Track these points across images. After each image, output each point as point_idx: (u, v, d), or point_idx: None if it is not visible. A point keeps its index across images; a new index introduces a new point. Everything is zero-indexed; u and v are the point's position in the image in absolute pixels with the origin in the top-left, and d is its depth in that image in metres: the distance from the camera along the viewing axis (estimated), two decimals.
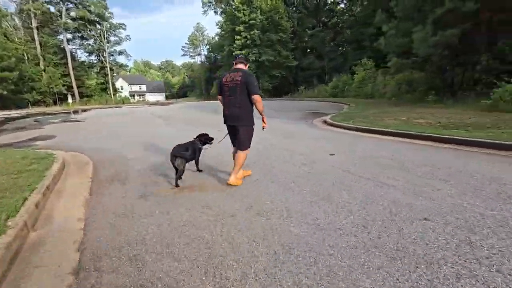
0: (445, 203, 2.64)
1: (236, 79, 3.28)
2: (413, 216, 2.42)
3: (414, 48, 11.54)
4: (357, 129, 7.35)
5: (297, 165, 4.19)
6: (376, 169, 3.84)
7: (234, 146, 3.63)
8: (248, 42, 33.47)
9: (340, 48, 38.36)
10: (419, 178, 3.36)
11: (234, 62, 3.48)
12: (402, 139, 6.05)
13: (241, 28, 33.36)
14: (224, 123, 3.51)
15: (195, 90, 67.99)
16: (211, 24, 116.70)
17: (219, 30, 47.01)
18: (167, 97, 74.43)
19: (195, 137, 4.05)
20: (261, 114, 3.37)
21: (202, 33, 69.49)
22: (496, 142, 4.69)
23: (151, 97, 68.12)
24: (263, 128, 3.52)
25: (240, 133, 3.38)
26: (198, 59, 71.79)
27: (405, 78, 13.73)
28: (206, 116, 14.07)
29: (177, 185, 3.49)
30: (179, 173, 3.52)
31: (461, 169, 3.62)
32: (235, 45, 33.98)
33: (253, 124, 3.42)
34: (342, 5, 41.89)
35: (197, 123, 11.09)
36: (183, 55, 75.60)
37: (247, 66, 3.54)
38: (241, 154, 3.41)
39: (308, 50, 42.05)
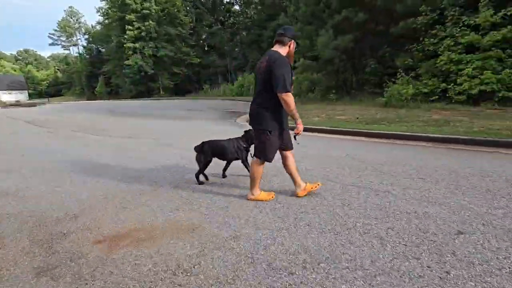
0: (454, 207, 2.46)
1: (262, 65, 2.43)
2: (444, 230, 2.08)
3: (318, 51, 12.57)
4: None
5: (267, 177, 3.42)
6: (349, 172, 3.52)
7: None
8: (142, 34, 29.79)
9: (237, 49, 39.31)
10: (399, 179, 3.20)
11: None
12: (335, 135, 6.20)
13: (133, 17, 29.37)
14: None
15: (73, 87, 56.49)
16: (90, 9, 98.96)
17: (101, 18, 40.23)
18: (31, 96, 58.74)
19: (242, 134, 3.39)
20: (292, 116, 2.49)
21: (77, 20, 58.11)
22: (419, 135, 5.26)
23: (5, 97, 52.10)
24: (295, 136, 2.65)
25: (255, 138, 2.70)
26: (74, 51, 59.81)
27: (308, 78, 14.95)
28: (105, 119, 11.35)
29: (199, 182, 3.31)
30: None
31: (421, 164, 3.72)
32: (126, 36, 29.66)
33: (271, 129, 2.51)
34: (237, 7, 43.10)
35: (94, 129, 8.65)
36: (52, 44, 60.79)
37: (289, 45, 2.49)
38: (252, 162, 2.71)
39: (207, 48, 41.28)
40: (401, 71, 10.07)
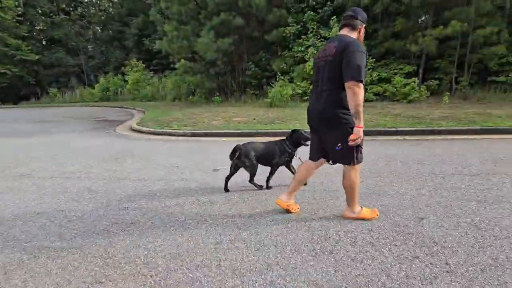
0: (394, 194, 2.72)
1: (328, 53, 1.98)
2: (409, 219, 2.22)
3: (199, 52, 12.17)
4: (192, 134, 6.50)
5: (223, 201, 2.76)
6: (281, 174, 3.38)
7: (311, 158, 2.34)
8: None
9: (91, 46, 33.22)
10: (329, 175, 3.31)
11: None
12: (242, 138, 6.06)
13: None
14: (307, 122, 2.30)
15: None
16: None
17: None
18: None
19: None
20: (355, 113, 1.90)
21: None
22: None
23: None
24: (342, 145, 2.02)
25: (329, 141, 2.12)
26: None
27: (189, 80, 14.27)
28: None
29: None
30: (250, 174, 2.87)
31: None
32: None
33: (351, 125, 1.97)
34: None
35: None
36: None
37: (361, 30, 2.04)
38: (347, 172, 2.12)
39: (46, 43, 32.57)
40: (279, 74, 11.17)
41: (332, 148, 2.12)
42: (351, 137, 1.95)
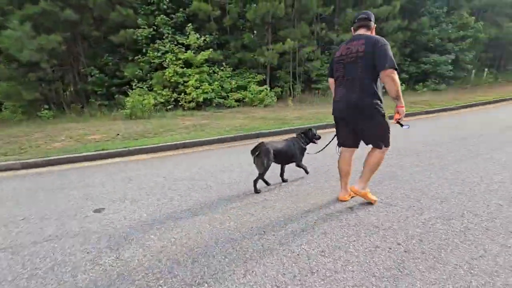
0: (317, 189, 2.86)
1: (356, 50, 2.17)
2: (343, 211, 2.37)
3: (7, 51, 8.72)
4: (23, 166, 4.46)
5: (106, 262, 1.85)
6: (203, 194, 2.88)
7: (346, 146, 2.53)
8: None
9: None
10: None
11: (352, 28, 2.36)
12: (115, 159, 4.82)
13: None
14: (333, 113, 2.49)
15: None
16: None
17: None
18: None
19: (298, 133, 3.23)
20: (396, 98, 2.13)
21: None
22: (203, 140, 5.52)
23: None
24: (396, 122, 2.21)
25: (371, 130, 2.29)
26: None
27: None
28: None
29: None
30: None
31: (248, 165, 3.92)
32: None
33: (382, 113, 2.21)
34: None
35: None
36: None
37: (373, 29, 2.28)
38: (376, 153, 2.34)
39: None
40: (136, 81, 9.81)
41: (368, 134, 2.33)
42: (396, 116, 2.17)
